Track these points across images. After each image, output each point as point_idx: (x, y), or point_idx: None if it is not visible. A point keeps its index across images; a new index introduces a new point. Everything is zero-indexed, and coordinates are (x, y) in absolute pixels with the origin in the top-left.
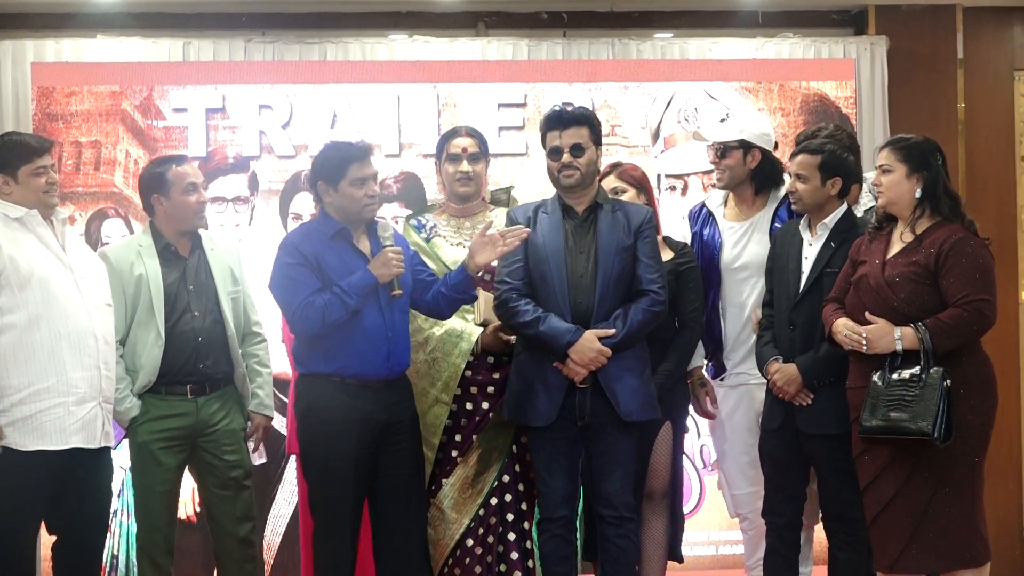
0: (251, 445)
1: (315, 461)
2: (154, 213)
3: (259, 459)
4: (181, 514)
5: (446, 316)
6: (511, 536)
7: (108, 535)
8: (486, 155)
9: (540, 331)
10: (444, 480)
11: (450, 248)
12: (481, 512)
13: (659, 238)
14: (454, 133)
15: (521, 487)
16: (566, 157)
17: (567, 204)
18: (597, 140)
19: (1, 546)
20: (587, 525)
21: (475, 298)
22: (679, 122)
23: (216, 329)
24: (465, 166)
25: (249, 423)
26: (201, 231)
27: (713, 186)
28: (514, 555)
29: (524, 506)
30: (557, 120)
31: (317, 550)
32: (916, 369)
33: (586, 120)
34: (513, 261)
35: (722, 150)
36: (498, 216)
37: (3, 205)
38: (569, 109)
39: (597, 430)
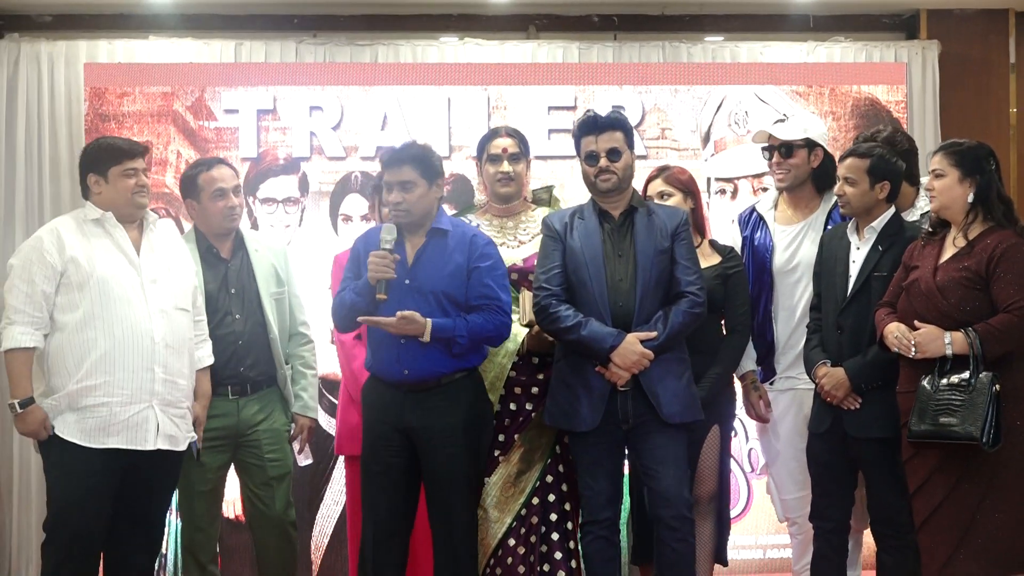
0: (296, 446)
1: (362, 455)
2: (193, 216)
3: (305, 460)
4: (229, 514)
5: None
6: (554, 536)
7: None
8: (527, 155)
9: (582, 336)
10: (486, 479)
11: None
12: (523, 512)
13: (706, 241)
14: (495, 134)
15: (564, 487)
16: (603, 161)
17: (603, 209)
18: (631, 145)
19: (66, 547)
20: (635, 529)
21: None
22: (729, 126)
23: (257, 331)
24: (506, 166)
25: (293, 424)
26: (246, 232)
27: (764, 190)
28: (558, 555)
29: (568, 506)
30: (592, 125)
31: (361, 541)
32: (965, 374)
33: (620, 125)
34: (551, 267)
35: (787, 149)
36: (540, 215)
37: (85, 208)
38: (603, 114)
39: (643, 432)
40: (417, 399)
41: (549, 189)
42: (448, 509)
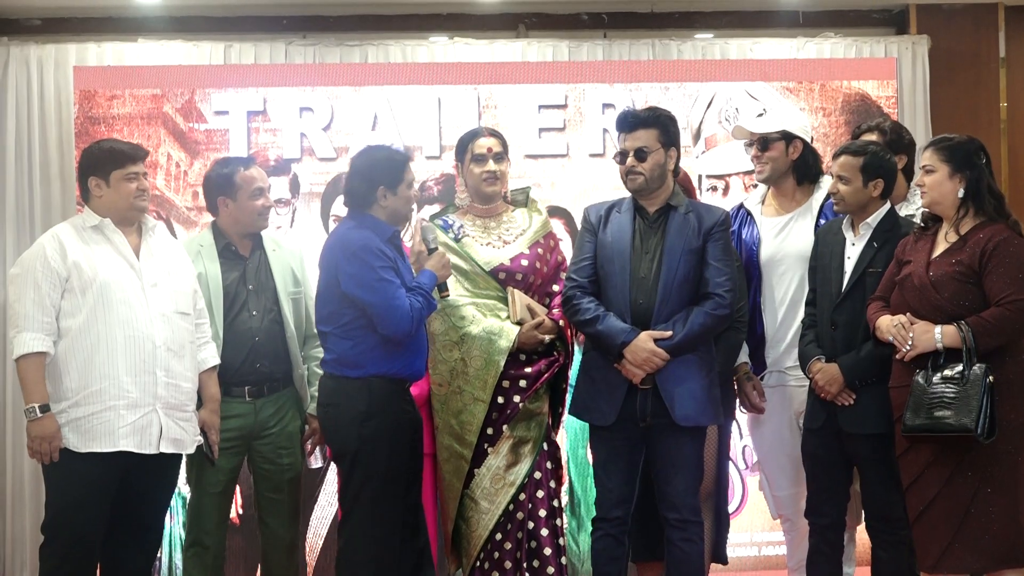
0: (308, 447)
1: (369, 465)
2: (218, 214)
3: (316, 462)
4: None
5: None
6: (544, 532)
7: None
8: (508, 154)
9: (598, 330)
10: (475, 470)
11: (481, 248)
12: (511, 507)
13: None
14: (476, 134)
15: (553, 484)
16: (630, 161)
17: (640, 204)
18: (669, 142)
19: (64, 550)
20: (639, 527)
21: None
22: (720, 122)
23: (274, 329)
24: (491, 166)
25: (307, 426)
26: (264, 232)
27: (754, 186)
28: (547, 550)
29: (556, 503)
30: (623, 122)
31: (355, 556)
32: (959, 367)
33: (654, 122)
34: (582, 259)
35: (764, 143)
36: (519, 215)
37: (84, 214)
38: (639, 111)
39: (658, 432)
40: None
41: (526, 191)
42: (418, 495)
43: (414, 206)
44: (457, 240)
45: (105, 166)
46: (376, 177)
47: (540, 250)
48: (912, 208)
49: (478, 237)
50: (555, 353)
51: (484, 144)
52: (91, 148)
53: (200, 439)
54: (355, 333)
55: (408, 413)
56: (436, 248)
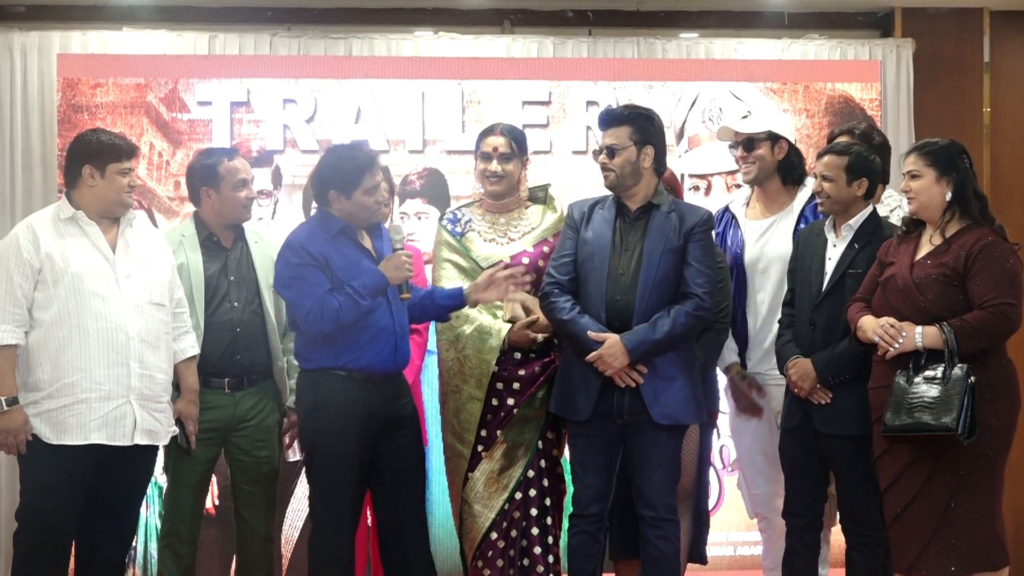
0: (286, 441)
1: (321, 457)
2: (200, 204)
3: (294, 456)
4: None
5: (416, 322)
6: (534, 531)
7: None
8: (521, 154)
9: (570, 329)
10: (469, 474)
11: (483, 243)
12: (506, 507)
13: None
14: (490, 131)
15: (546, 483)
16: (601, 158)
17: (622, 202)
18: (644, 139)
19: (37, 537)
20: (617, 524)
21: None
22: (703, 122)
23: (255, 321)
24: (495, 165)
25: (285, 419)
26: (246, 224)
27: (737, 186)
28: (537, 549)
29: (548, 501)
30: (600, 120)
31: (317, 549)
32: (940, 368)
33: (626, 119)
34: (562, 255)
35: (749, 144)
36: (533, 213)
37: (59, 205)
38: (615, 108)
39: (636, 430)
40: (392, 387)
41: (545, 188)
42: (410, 494)
43: (377, 208)
44: (461, 235)
45: (103, 156)
46: (329, 179)
47: (547, 248)
48: (885, 210)
49: (483, 232)
50: (552, 353)
51: (492, 143)
52: (88, 136)
53: (175, 430)
54: (298, 327)
55: (368, 405)
56: (400, 248)
